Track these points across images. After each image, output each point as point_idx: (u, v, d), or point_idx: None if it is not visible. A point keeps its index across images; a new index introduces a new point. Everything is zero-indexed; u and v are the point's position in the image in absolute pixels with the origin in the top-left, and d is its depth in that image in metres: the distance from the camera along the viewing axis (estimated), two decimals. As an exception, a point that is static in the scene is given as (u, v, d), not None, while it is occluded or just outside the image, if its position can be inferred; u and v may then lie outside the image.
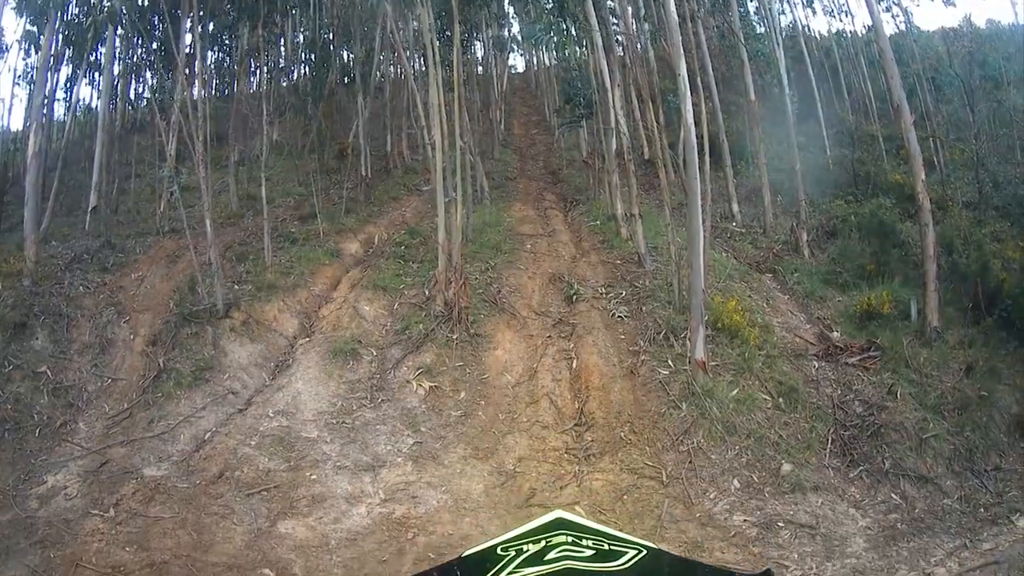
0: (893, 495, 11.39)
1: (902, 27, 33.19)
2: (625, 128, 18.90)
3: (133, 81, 27.43)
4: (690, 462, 11.82)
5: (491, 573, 2.49)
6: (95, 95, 29.14)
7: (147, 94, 26.57)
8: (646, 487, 11.50)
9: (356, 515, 11.14)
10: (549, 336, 15.15)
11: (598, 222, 20.45)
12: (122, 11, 19.02)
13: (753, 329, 14.63)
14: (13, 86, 38.51)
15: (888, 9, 32.30)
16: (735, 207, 21.84)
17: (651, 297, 15.84)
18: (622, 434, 12.57)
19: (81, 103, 30.52)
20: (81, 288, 16.04)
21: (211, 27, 23.12)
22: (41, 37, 20.56)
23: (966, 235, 18.19)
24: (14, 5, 21.68)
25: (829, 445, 12.27)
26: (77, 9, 22.06)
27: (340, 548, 10.54)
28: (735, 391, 13.01)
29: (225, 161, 22.31)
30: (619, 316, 15.35)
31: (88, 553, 9.93)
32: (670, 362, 13.77)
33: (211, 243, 15.59)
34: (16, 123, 35.21)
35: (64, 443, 12.53)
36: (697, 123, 14.60)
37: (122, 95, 25.48)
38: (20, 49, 27.08)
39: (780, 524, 10.70)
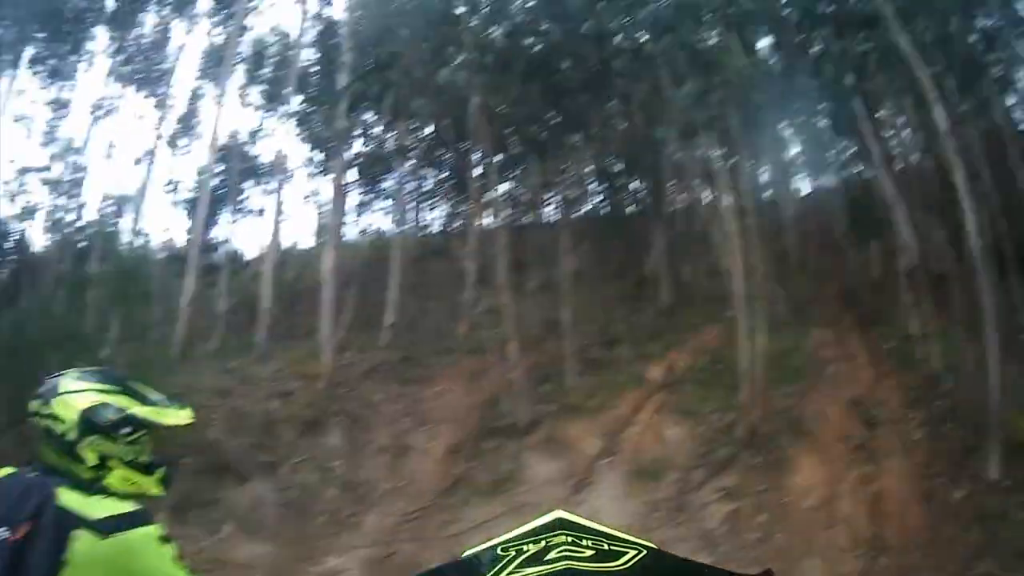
0: None
1: None
2: (914, 244, 18.90)
3: (424, 207, 30.24)
4: None
5: (491, 573, 2.56)
6: (387, 219, 32.44)
7: (440, 220, 29.17)
8: None
9: None
10: (849, 460, 15.05)
11: (894, 343, 19.79)
12: (409, 146, 21.25)
13: None
14: (303, 207, 43.42)
15: None
16: None
17: (948, 418, 15.45)
18: (915, 559, 12.42)
19: (371, 227, 33.85)
20: (379, 396, 17.50)
21: (500, 159, 24.83)
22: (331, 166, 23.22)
23: None
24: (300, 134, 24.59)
25: None
26: (365, 144, 24.85)
27: None
28: None
29: (524, 287, 23.62)
30: (917, 439, 15.12)
31: None
32: (965, 483, 13.50)
33: (515, 363, 16.80)
34: (305, 242, 39.51)
35: (349, 532, 13.73)
36: (982, 233, 14.82)
37: (416, 220, 28.07)
38: (306, 172, 30.83)
39: None
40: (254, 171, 33.10)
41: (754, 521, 13.71)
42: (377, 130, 27.09)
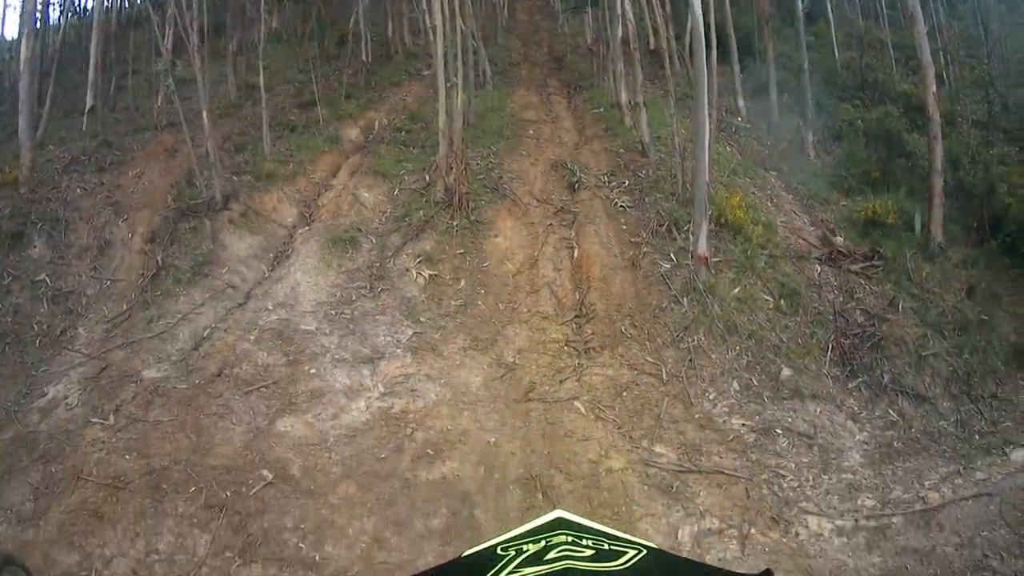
0: (891, 411, 11.47)
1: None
2: (631, 15, 18.17)
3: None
4: (690, 360, 11.66)
5: (491, 573, 2.36)
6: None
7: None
8: (645, 384, 11.35)
9: (355, 410, 10.93)
10: (550, 224, 14.54)
11: (602, 109, 19.45)
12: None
13: (756, 227, 14.32)
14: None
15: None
16: (741, 102, 20.94)
17: (654, 188, 15.27)
18: (622, 328, 12.27)
19: (77, 3, 29.39)
20: (79, 190, 15.48)
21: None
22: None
23: (974, 154, 17.68)
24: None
25: (829, 353, 12.21)
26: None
27: (339, 445, 10.41)
28: (737, 289, 12.83)
29: (223, 51, 21.40)
30: (621, 206, 14.78)
31: (88, 464, 9.94)
32: (672, 256, 13.44)
33: (208, 134, 15.04)
34: (11, 32, 34.12)
35: (64, 351, 12.30)
36: (705, 14, 14.06)
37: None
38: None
39: (778, 431, 10.74)
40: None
41: (455, 287, 13.04)
42: None
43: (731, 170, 16.51)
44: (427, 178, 15.49)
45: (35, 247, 14.13)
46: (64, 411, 10.95)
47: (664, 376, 11.39)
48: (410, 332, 12.20)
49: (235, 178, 15.55)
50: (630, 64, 17.79)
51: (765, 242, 14.10)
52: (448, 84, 15.04)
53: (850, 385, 11.73)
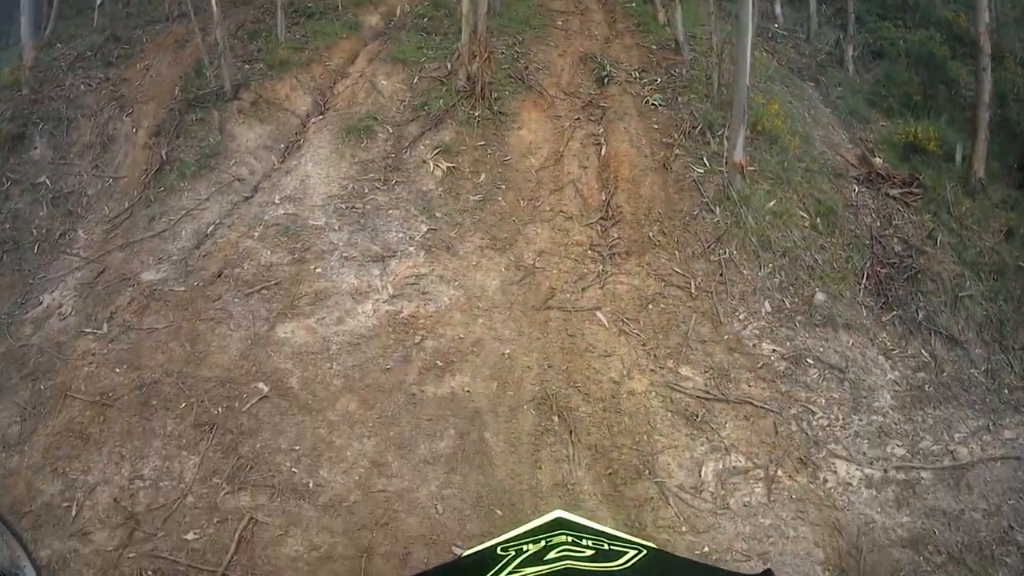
0: (923, 351, 10.70)
1: None
2: None
3: None
4: (721, 274, 10.68)
5: (491, 573, 2.39)
6: None
7: None
8: (673, 297, 10.40)
9: (361, 314, 10.02)
10: (578, 118, 13.24)
11: (634, 4, 17.90)
12: None
13: (793, 138, 13.12)
14: None
15: None
16: (778, 8, 19.37)
17: (688, 88, 13.96)
18: (650, 234, 11.21)
19: None
20: (83, 87, 14.49)
21: None
22: None
23: (1020, 92, 16.41)
24: None
25: (864, 281, 11.25)
26: None
27: (341, 354, 9.53)
28: (772, 202, 11.73)
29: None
30: (653, 104, 13.47)
31: (77, 380, 9.38)
32: (705, 160, 12.24)
33: (217, 21, 13.80)
34: None
35: (62, 255, 11.60)
36: None
37: None
38: None
39: (810, 361, 9.96)
40: None
41: (474, 181, 11.93)
42: None
43: (768, 77, 15.18)
44: (449, 66, 14.11)
45: (36, 148, 13.35)
46: (57, 321, 10.32)
47: (693, 290, 10.43)
48: (424, 228, 11.17)
49: (246, 67, 14.40)
50: (666, -43, 16.46)
51: (802, 155, 12.99)
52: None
53: (884, 318, 10.86)
